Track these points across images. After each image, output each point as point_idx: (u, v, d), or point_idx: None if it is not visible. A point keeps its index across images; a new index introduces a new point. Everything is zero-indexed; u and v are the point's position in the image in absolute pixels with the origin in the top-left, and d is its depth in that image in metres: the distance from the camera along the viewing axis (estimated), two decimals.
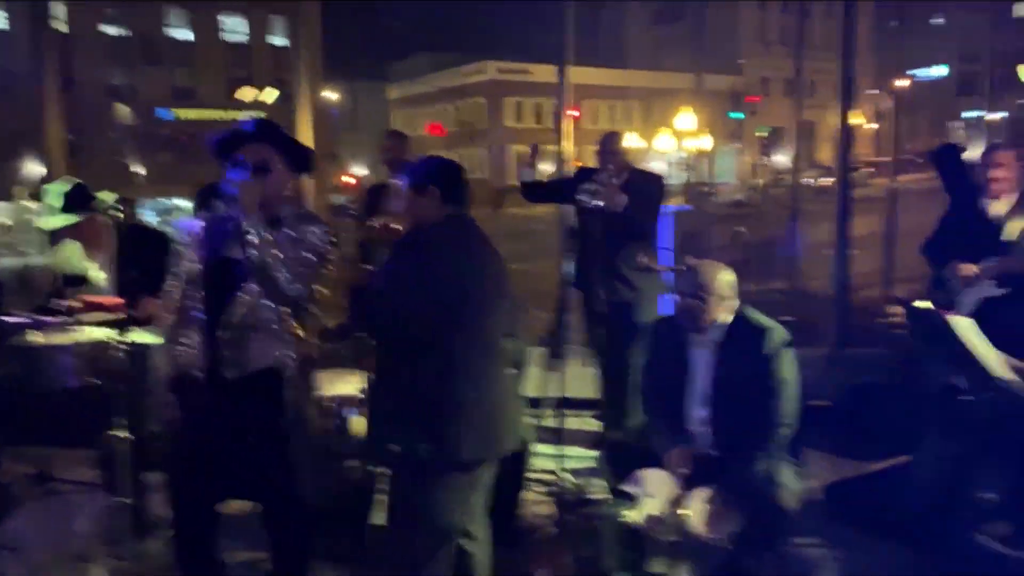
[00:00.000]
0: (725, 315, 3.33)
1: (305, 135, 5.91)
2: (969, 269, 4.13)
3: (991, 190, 4.19)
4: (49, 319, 3.58)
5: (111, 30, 33.25)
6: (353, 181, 36.61)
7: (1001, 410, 3.49)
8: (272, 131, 2.91)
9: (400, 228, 3.14)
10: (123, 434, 3.63)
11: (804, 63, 12.94)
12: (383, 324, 2.65)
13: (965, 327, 3.42)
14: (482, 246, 2.75)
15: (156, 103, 33.65)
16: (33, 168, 25.57)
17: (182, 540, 2.98)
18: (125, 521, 3.63)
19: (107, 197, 3.79)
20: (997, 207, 4.20)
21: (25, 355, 3.53)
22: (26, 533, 4.03)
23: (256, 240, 2.67)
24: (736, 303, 3.36)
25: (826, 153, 37.07)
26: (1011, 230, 4.13)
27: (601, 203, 4.11)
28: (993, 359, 3.44)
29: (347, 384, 3.65)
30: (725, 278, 3.30)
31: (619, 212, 4.36)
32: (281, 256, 2.71)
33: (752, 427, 3.19)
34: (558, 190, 4.76)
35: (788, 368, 3.28)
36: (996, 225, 4.18)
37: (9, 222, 27.14)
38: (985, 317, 3.67)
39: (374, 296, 2.64)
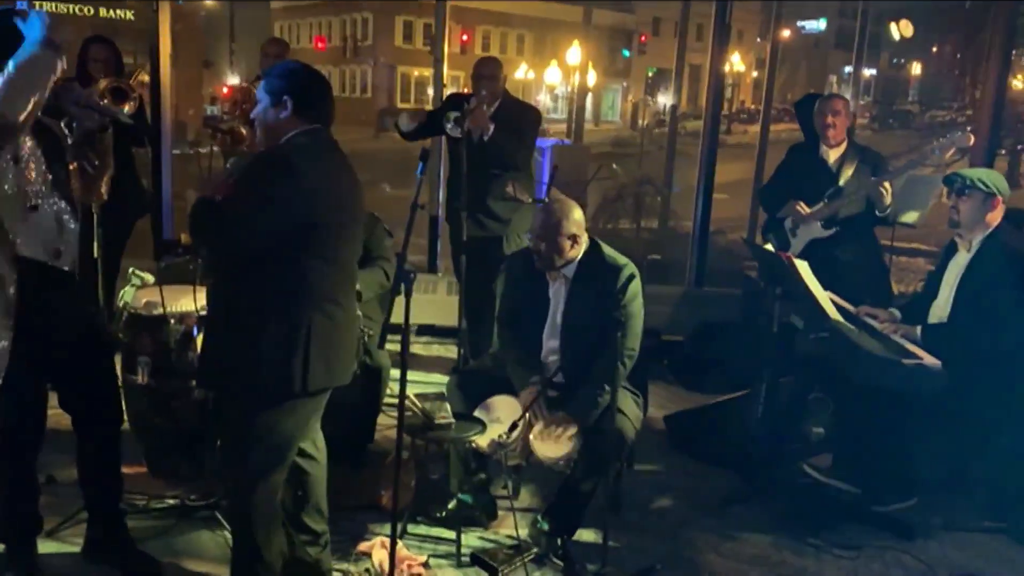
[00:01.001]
0: (577, 251, 3.38)
1: (165, 39, 5.54)
2: (803, 208, 4.40)
3: (827, 137, 4.46)
4: None
5: None
6: (227, 91, 34.94)
7: (830, 350, 3.70)
8: None
9: (245, 135, 3.00)
10: None
11: (693, 6, 13.06)
12: (225, 242, 2.51)
13: (804, 269, 3.59)
14: (338, 166, 2.61)
15: None
16: None
17: (11, 459, 2.87)
18: None
19: None
20: (832, 155, 4.47)
21: None
22: None
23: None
24: (586, 239, 3.41)
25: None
26: (844, 175, 4.42)
27: (462, 131, 4.05)
28: (826, 301, 3.64)
29: (191, 301, 3.51)
30: (574, 216, 3.33)
31: (488, 140, 4.31)
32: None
33: (598, 357, 3.27)
34: (429, 125, 4.63)
35: (635, 303, 3.37)
36: (833, 171, 4.45)
37: None
38: (812, 258, 3.90)
39: (216, 210, 2.49)
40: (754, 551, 3.44)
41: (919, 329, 3.63)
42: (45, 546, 3.06)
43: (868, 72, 38.96)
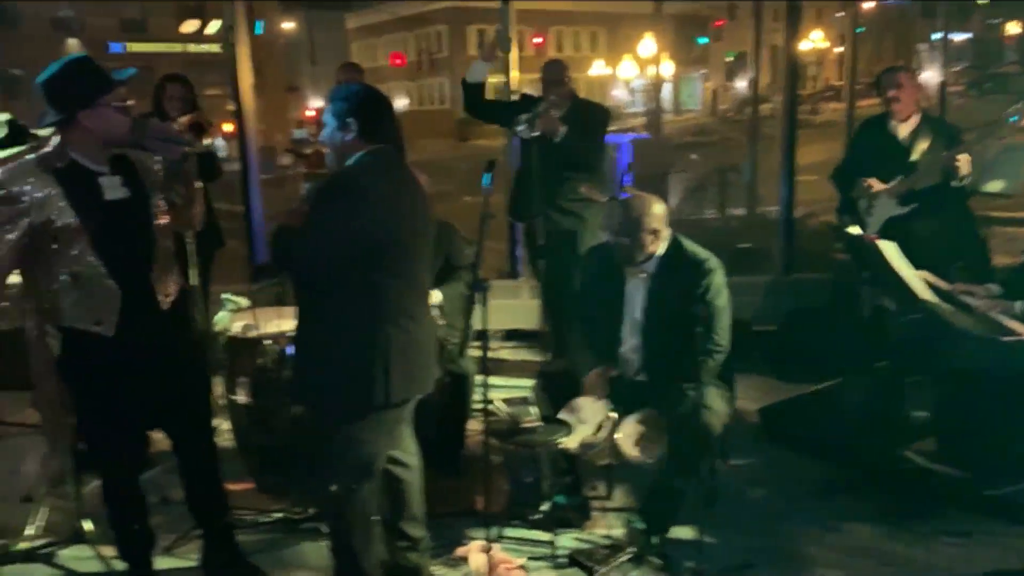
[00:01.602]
0: (657, 247, 3.36)
1: (245, 68, 5.76)
2: (877, 184, 4.25)
3: (893, 112, 4.30)
4: None
5: None
6: (313, 114, 35.92)
7: (926, 330, 3.58)
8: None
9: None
10: None
11: None
12: (301, 266, 2.61)
13: (890, 251, 3.48)
14: (402, 183, 2.69)
15: (106, 36, 32.54)
16: None
17: (107, 480, 3.01)
18: (69, 463, 3.66)
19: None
20: (904, 129, 4.30)
21: None
22: None
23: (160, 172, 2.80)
24: (668, 234, 3.38)
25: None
26: (917, 150, 4.24)
27: (536, 133, 4.08)
28: (916, 281, 3.52)
29: (283, 322, 3.65)
30: (654, 211, 3.31)
31: (559, 142, 4.33)
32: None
33: (682, 354, 3.25)
34: (500, 112, 4.67)
35: (721, 297, 3.33)
36: (905, 147, 4.28)
37: None
38: (891, 236, 3.77)
39: (292, 236, 2.60)
40: (858, 542, 3.35)
41: (1019, 304, 3.47)
42: (164, 562, 3.23)
43: (961, 37, 37.19)
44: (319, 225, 2.53)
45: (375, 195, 2.56)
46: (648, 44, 22.98)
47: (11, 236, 2.63)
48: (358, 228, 2.52)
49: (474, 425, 4.25)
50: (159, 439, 3.20)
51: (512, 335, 5.88)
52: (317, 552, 3.34)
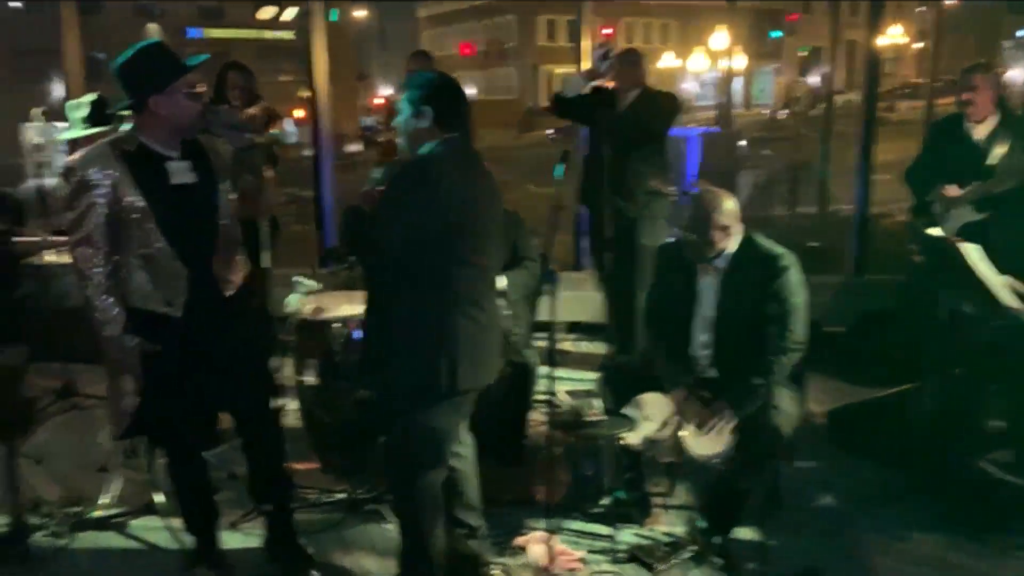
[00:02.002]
0: (730, 243, 3.31)
1: (320, 55, 5.84)
2: (953, 191, 4.10)
3: (967, 113, 4.14)
4: (63, 239, 3.65)
5: None
6: (382, 102, 36.27)
7: (1007, 337, 3.45)
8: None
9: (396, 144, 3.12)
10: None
11: None
12: (373, 251, 2.64)
13: (974, 254, 3.36)
14: (474, 172, 2.69)
15: (184, 22, 33.36)
16: (55, 88, 25.77)
17: (172, 455, 3.09)
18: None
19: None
20: (980, 131, 4.14)
21: (41, 274, 3.62)
22: (51, 445, 4.21)
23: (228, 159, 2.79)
24: (740, 230, 3.32)
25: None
26: (994, 154, 4.08)
27: (606, 67, 4.04)
28: (999, 285, 3.40)
29: (352, 305, 3.70)
30: (727, 207, 3.26)
31: (627, 113, 4.29)
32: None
33: (755, 352, 3.19)
34: (580, 108, 4.64)
35: (796, 295, 3.25)
36: (981, 149, 4.12)
37: (41, 140, 27.53)
38: (967, 240, 3.64)
39: (365, 221, 2.63)
40: (926, 552, 3.26)
41: None
42: (231, 539, 3.31)
43: None
44: (393, 212, 2.55)
45: (449, 183, 2.57)
46: (721, 37, 22.61)
47: (95, 218, 2.72)
48: (431, 216, 2.53)
49: (536, 416, 4.27)
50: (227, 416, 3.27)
51: (575, 327, 5.87)
52: (379, 534, 3.39)
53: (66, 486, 3.72)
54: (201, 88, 2.83)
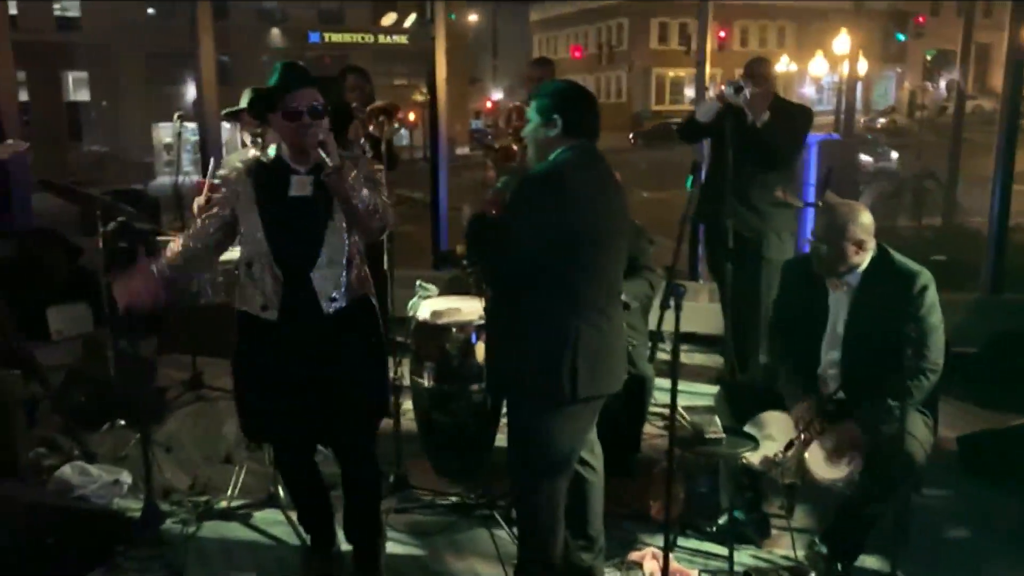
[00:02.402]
0: (863, 258, 3.17)
1: (441, 60, 5.93)
2: None
3: None
4: None
5: None
6: (490, 105, 36.67)
7: None
8: (306, 74, 2.79)
9: (515, 151, 3.12)
10: None
11: None
12: (501, 256, 2.64)
13: None
14: (604, 179, 2.69)
15: (305, 27, 34.56)
16: (187, 90, 27.05)
17: (276, 454, 3.18)
18: None
19: None
20: None
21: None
22: (179, 434, 4.40)
23: (354, 176, 2.67)
24: (873, 244, 3.19)
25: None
26: None
27: (741, 99, 3.92)
28: None
29: (470, 310, 3.73)
30: (862, 221, 3.12)
31: (760, 132, 4.17)
32: (370, 193, 2.71)
33: (885, 373, 3.05)
34: (704, 129, 4.53)
35: (934, 315, 3.10)
36: None
37: (171, 141, 28.98)
38: None
39: (492, 227, 2.64)
40: None
41: None
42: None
43: None
44: (523, 219, 2.56)
45: (579, 191, 2.56)
46: (843, 40, 21.89)
47: (222, 215, 2.85)
48: (561, 223, 2.53)
49: (650, 428, 4.20)
50: None
51: (688, 338, 5.76)
52: (491, 539, 3.39)
53: (193, 475, 3.87)
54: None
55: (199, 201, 3.64)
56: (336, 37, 34.52)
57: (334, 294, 2.83)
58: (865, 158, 11.61)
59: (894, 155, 11.32)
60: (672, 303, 2.63)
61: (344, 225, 2.79)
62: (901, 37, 40.46)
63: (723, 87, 4.13)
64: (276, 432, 3.02)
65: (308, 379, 2.83)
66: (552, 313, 2.60)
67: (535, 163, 2.76)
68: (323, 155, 2.64)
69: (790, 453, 3.05)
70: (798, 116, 4.47)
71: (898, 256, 3.21)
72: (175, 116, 4.51)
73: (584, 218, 2.57)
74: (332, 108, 2.78)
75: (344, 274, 2.83)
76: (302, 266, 2.80)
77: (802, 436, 3.09)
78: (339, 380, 2.85)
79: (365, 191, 2.70)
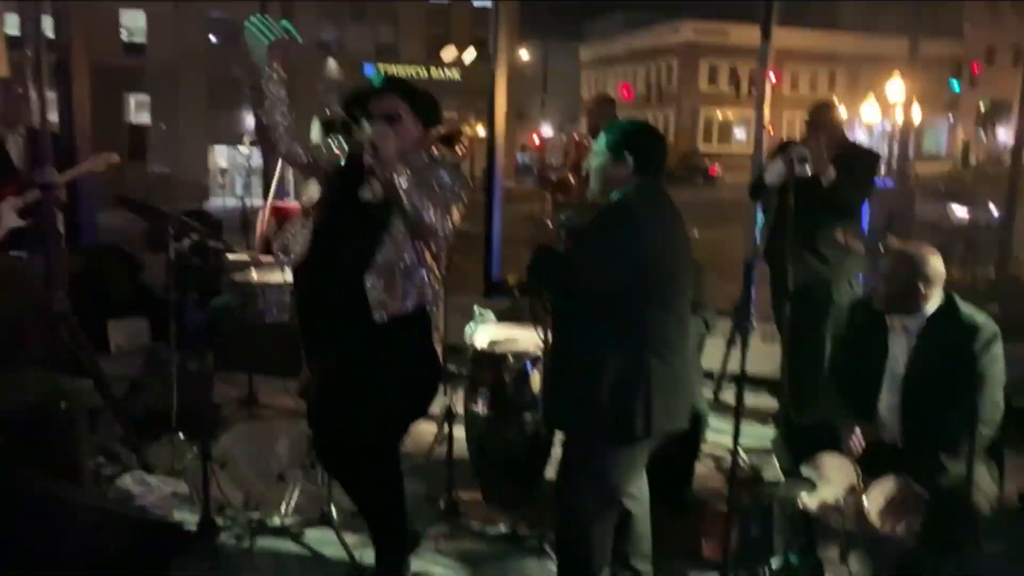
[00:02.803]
0: (930, 303, 3.15)
1: (501, 95, 6.02)
2: None
3: None
4: (264, 258, 3.91)
5: None
6: (538, 140, 36.96)
7: None
8: (398, 83, 2.98)
9: (573, 184, 3.17)
10: None
11: None
12: (572, 291, 2.66)
13: None
14: (673, 216, 2.73)
15: (361, 59, 35.27)
16: (246, 116, 27.68)
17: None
18: None
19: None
20: None
21: (241, 290, 3.88)
22: (234, 450, 4.46)
23: (404, 184, 2.70)
24: (940, 291, 3.16)
25: None
26: None
27: (809, 172, 3.91)
28: None
29: (528, 338, 3.75)
30: (932, 264, 3.10)
31: (827, 191, 4.14)
32: (426, 197, 2.72)
33: (948, 422, 3.02)
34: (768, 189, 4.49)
35: (996, 367, 3.07)
36: None
37: (225, 165, 29.66)
38: None
39: (562, 262, 2.68)
40: None
41: None
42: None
43: None
44: (596, 254, 2.59)
45: (651, 228, 2.61)
46: (897, 86, 21.72)
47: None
48: (635, 259, 2.57)
49: (703, 466, 4.17)
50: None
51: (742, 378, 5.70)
52: (540, 570, 3.38)
53: (247, 491, 3.92)
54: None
55: (265, 224, 3.75)
56: (390, 69, 35.17)
57: (389, 304, 2.81)
58: (959, 210, 11.28)
59: (992, 207, 11.08)
60: (739, 340, 2.63)
61: (403, 234, 2.81)
62: (955, 85, 40.07)
63: (783, 157, 4.06)
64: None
65: (342, 385, 2.87)
66: (625, 348, 2.63)
67: (598, 196, 2.81)
68: (370, 157, 2.71)
69: (850, 499, 3.01)
70: (864, 163, 4.43)
71: (965, 306, 3.18)
72: (246, 141, 4.62)
73: (656, 254, 2.61)
74: None
75: (399, 284, 2.82)
76: (349, 275, 2.81)
77: (862, 483, 3.04)
78: (373, 380, 2.85)
79: (415, 195, 2.71)
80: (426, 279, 2.88)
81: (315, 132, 2.93)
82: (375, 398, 2.85)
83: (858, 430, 3.16)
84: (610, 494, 2.72)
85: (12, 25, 7.35)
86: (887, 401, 3.25)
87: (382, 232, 2.80)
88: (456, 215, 2.84)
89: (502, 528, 3.66)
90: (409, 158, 2.82)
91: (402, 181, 2.69)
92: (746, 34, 38.49)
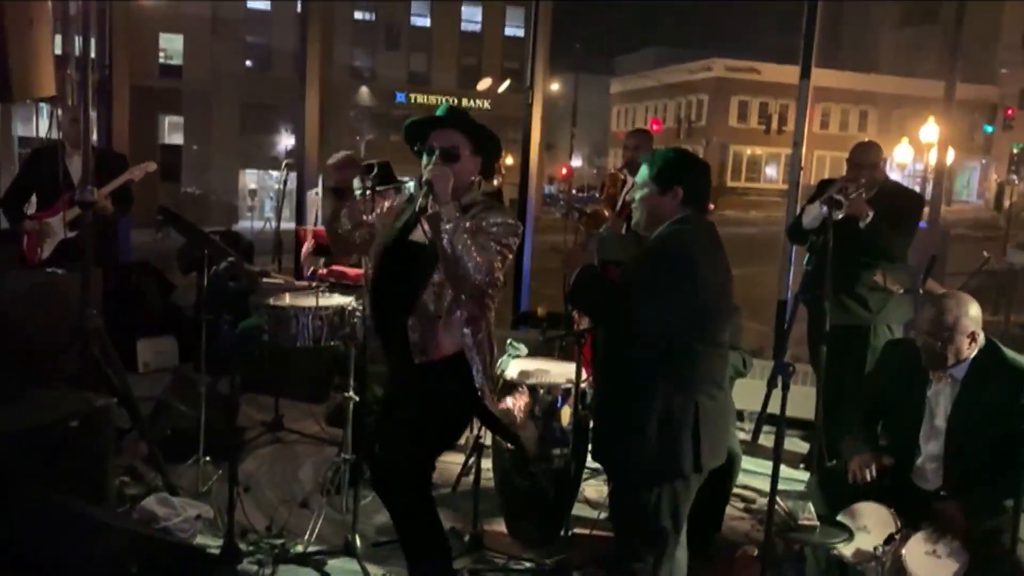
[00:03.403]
0: (973, 350, 3.08)
1: (536, 127, 6.04)
2: None
3: None
4: (298, 282, 3.90)
5: (359, 15, 35.60)
6: (565, 171, 37.07)
7: None
8: (461, 118, 2.87)
9: (607, 216, 3.12)
10: (351, 394, 3.92)
11: None
12: (625, 325, 2.61)
13: None
14: (720, 253, 2.70)
15: (393, 86, 35.71)
16: (287, 141, 28.01)
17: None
18: (344, 476, 3.92)
19: None
20: None
21: (274, 313, 3.86)
22: (258, 474, 4.43)
23: (449, 226, 2.63)
24: (983, 338, 3.09)
25: None
26: None
27: (842, 214, 3.85)
28: None
29: (559, 372, 3.71)
30: (971, 312, 3.04)
31: (864, 232, 4.08)
32: (471, 244, 2.65)
33: (991, 471, 2.93)
34: (806, 229, 4.42)
35: None
36: None
37: (255, 187, 29.98)
38: None
39: (613, 292, 2.63)
40: None
41: None
42: None
43: None
44: (654, 294, 2.55)
45: (707, 268, 2.59)
46: (931, 129, 21.60)
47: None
48: (692, 300, 2.55)
49: (730, 510, 4.08)
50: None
51: (770, 420, 5.61)
52: None
53: (271, 517, 3.88)
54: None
55: (307, 248, 3.75)
56: (421, 98, 35.55)
57: (429, 347, 2.79)
58: (1014, 255, 11.08)
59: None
60: (780, 382, 2.58)
61: (445, 279, 2.76)
62: (989, 129, 39.79)
63: (823, 207, 4.00)
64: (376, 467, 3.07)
65: (391, 410, 2.92)
66: (675, 385, 2.59)
67: (643, 228, 2.76)
68: (427, 196, 2.66)
69: (888, 548, 2.92)
70: (906, 206, 4.35)
71: (1009, 352, 3.11)
72: (283, 165, 4.66)
73: (710, 294, 2.59)
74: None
75: (440, 328, 2.78)
76: (392, 314, 2.81)
77: (902, 531, 2.96)
78: (412, 418, 2.86)
79: (463, 238, 2.63)
80: (467, 328, 2.82)
81: (356, 181, 2.93)
82: (407, 435, 2.87)
83: (862, 458, 3.13)
84: (665, 532, 2.67)
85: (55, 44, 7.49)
86: (927, 451, 3.17)
87: (426, 276, 2.77)
88: (501, 265, 2.79)
89: (527, 564, 3.60)
90: (463, 199, 2.79)
91: (447, 226, 2.64)
92: (777, 72, 38.74)
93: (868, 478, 3.13)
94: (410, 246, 2.85)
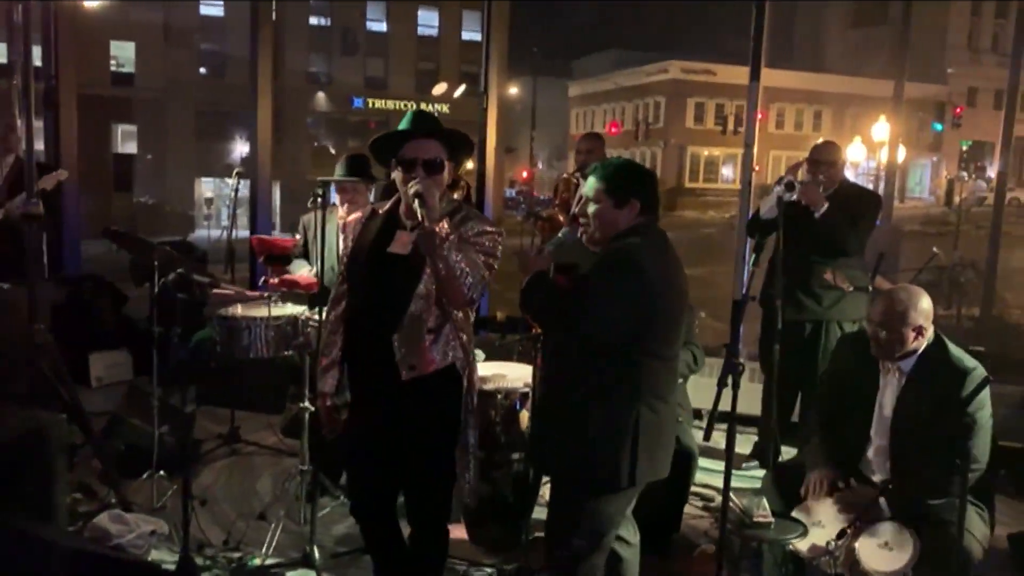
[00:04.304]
0: (919, 343, 3.14)
1: (493, 130, 6.04)
2: None
3: None
4: (250, 293, 3.86)
5: (315, 20, 35.33)
6: (525, 175, 37.15)
7: None
8: (440, 129, 2.77)
9: (562, 222, 3.11)
10: (307, 405, 3.88)
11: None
12: (572, 332, 2.59)
13: None
14: (673, 261, 2.68)
15: (350, 91, 35.47)
16: (242, 148, 27.73)
17: (362, 523, 2.99)
18: (302, 487, 3.88)
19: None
20: None
21: (225, 325, 3.82)
22: (215, 487, 4.38)
23: (446, 245, 2.55)
24: (931, 332, 3.15)
25: None
26: None
27: (794, 197, 3.89)
28: None
29: (517, 376, 3.71)
30: (921, 306, 3.10)
31: (819, 219, 4.15)
32: (462, 260, 2.58)
33: (937, 465, 2.99)
34: (764, 221, 4.49)
35: (985, 412, 3.06)
36: None
37: (211, 195, 29.61)
38: None
39: (561, 299, 2.60)
40: None
41: None
42: None
43: None
44: (601, 298, 2.52)
45: (658, 278, 2.56)
46: (882, 127, 22.03)
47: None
48: (641, 310, 2.52)
49: (688, 508, 4.12)
50: None
51: (724, 417, 5.66)
52: None
53: (228, 530, 3.83)
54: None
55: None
56: (379, 103, 35.37)
57: (416, 362, 2.68)
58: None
59: None
60: (730, 381, 2.60)
61: (432, 293, 2.66)
62: (938, 127, 40.67)
63: (776, 187, 4.09)
64: (351, 485, 3.01)
65: (381, 442, 2.78)
66: (616, 397, 2.58)
67: (597, 242, 2.73)
68: (419, 210, 2.56)
69: (841, 542, 2.97)
70: (863, 203, 4.43)
71: (955, 348, 3.17)
72: (234, 173, 4.60)
73: (660, 304, 2.57)
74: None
75: (428, 342, 2.68)
76: (378, 329, 2.70)
77: (855, 525, 3.01)
78: (408, 449, 2.76)
79: (457, 256, 2.57)
80: (453, 340, 2.74)
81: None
82: (426, 473, 2.80)
83: (823, 480, 3.15)
84: (597, 537, 2.66)
85: (0, 53, 7.36)
86: (876, 442, 3.23)
87: (411, 290, 2.69)
88: (488, 275, 2.72)
89: (487, 569, 3.59)
90: (442, 208, 2.70)
91: (444, 245, 2.55)
92: (733, 73, 39.19)
93: (823, 495, 3.15)
94: (389, 259, 2.75)
